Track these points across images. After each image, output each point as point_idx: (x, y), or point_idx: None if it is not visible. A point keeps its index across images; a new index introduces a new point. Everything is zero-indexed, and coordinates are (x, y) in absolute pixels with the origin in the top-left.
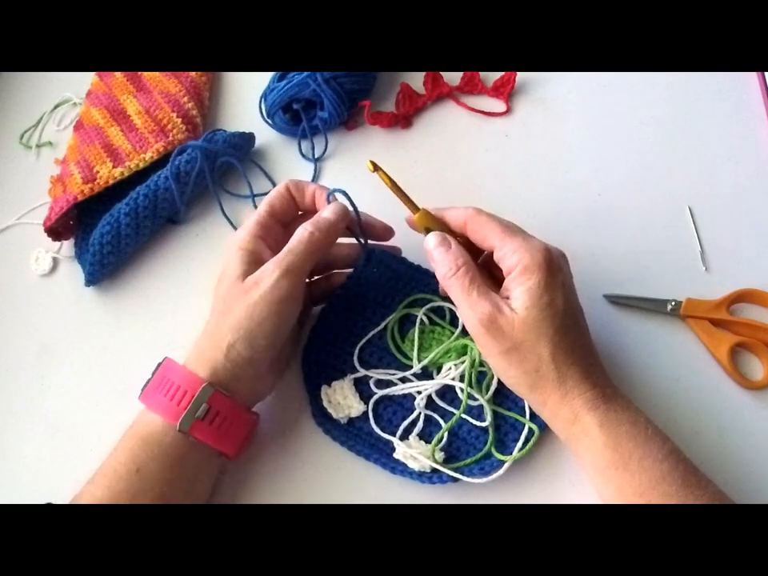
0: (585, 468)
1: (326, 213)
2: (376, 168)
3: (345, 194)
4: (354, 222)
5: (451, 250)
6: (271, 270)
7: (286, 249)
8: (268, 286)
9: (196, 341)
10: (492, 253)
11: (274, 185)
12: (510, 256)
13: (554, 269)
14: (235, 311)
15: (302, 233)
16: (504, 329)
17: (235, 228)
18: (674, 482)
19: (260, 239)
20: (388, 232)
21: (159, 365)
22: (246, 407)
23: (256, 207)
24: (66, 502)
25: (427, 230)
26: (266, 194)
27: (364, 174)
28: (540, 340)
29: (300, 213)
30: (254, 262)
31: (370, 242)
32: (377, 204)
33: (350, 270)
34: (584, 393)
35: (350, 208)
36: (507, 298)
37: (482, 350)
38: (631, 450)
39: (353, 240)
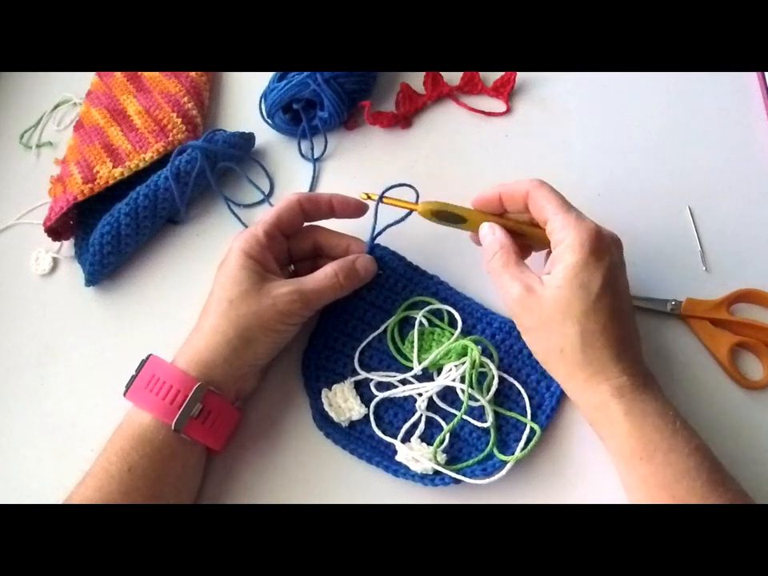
0: (609, 453)
1: (360, 266)
2: (369, 197)
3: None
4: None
5: (494, 237)
6: (291, 297)
7: (312, 281)
8: (285, 309)
9: (189, 339)
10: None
11: (272, 184)
12: (558, 231)
13: (600, 250)
14: (246, 319)
15: (332, 275)
16: (532, 307)
17: (245, 225)
18: (698, 478)
19: (267, 250)
20: (360, 210)
21: (144, 362)
22: (232, 403)
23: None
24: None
25: (435, 215)
26: (264, 197)
27: (363, 175)
28: (566, 319)
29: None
30: (262, 272)
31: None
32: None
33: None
34: (610, 378)
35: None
36: (549, 274)
37: (518, 327)
38: (657, 443)
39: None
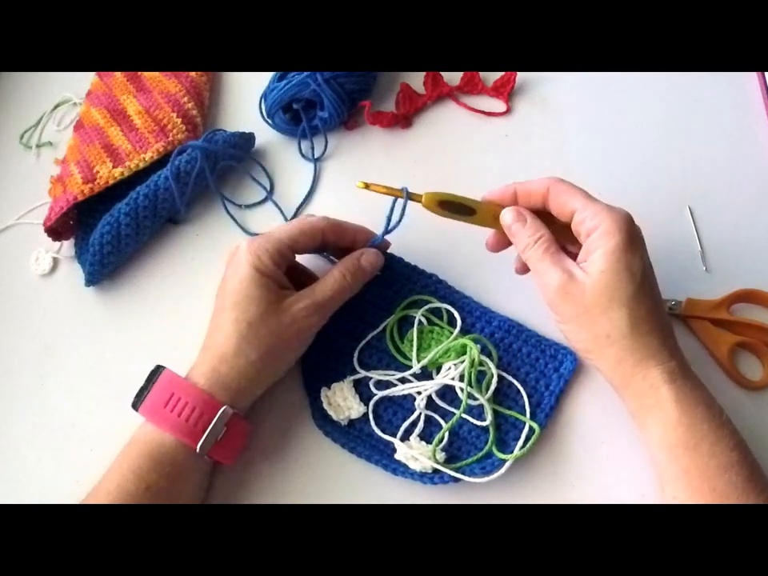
0: (650, 442)
1: (366, 262)
2: (367, 186)
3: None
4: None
5: (527, 224)
6: (308, 312)
7: (323, 289)
8: (305, 325)
9: (204, 358)
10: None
11: (272, 184)
12: (590, 219)
13: (636, 236)
14: (267, 340)
15: (341, 279)
16: (575, 294)
17: (241, 227)
18: (740, 473)
19: (279, 268)
20: (383, 248)
21: (156, 375)
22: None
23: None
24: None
25: (440, 205)
26: (267, 194)
27: (364, 174)
28: (612, 304)
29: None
30: (277, 289)
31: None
32: (377, 204)
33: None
34: (661, 363)
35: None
36: (585, 261)
37: (556, 317)
38: (704, 433)
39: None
